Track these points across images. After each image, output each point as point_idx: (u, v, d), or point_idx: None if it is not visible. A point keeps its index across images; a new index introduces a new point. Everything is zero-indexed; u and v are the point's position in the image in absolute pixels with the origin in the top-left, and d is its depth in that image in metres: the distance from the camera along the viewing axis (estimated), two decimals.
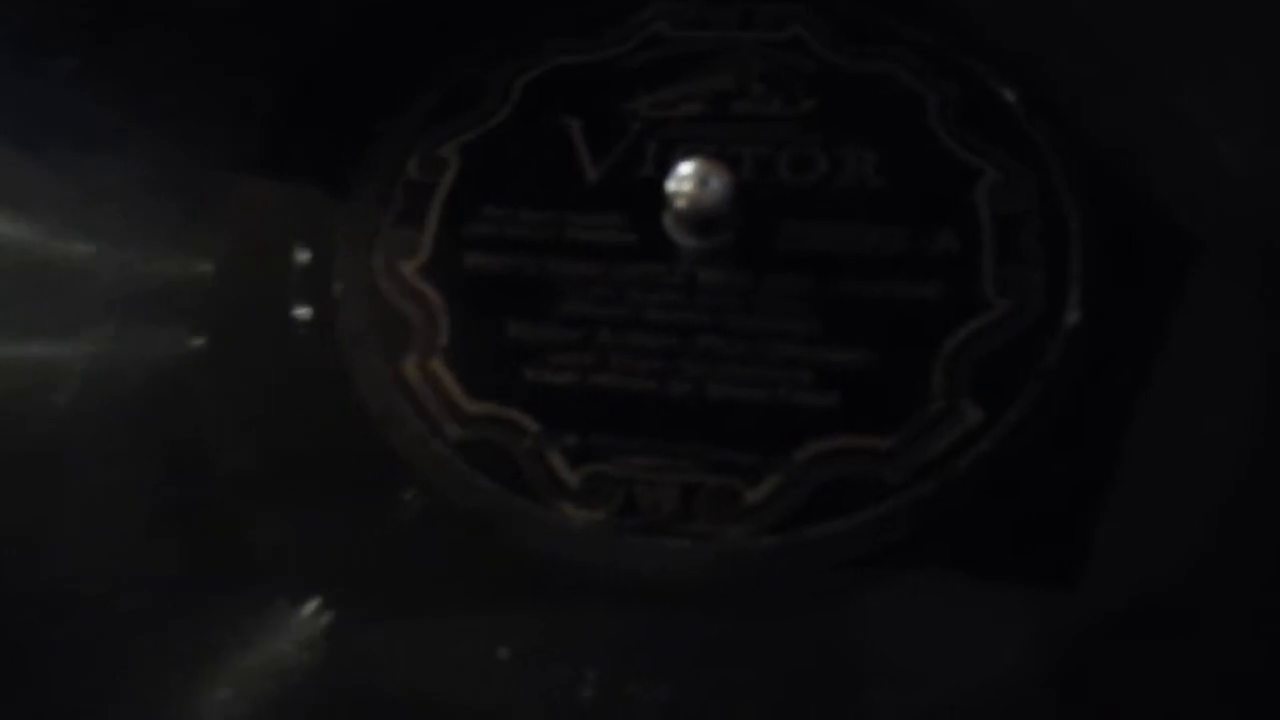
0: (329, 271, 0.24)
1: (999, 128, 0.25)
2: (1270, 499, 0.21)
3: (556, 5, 0.27)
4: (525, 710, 0.19)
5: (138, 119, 0.27)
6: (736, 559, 0.20)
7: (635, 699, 0.19)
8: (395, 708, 0.19)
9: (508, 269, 0.24)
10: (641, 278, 0.23)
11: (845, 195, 0.24)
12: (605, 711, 0.19)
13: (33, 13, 0.29)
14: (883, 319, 0.23)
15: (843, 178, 0.25)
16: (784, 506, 0.20)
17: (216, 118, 0.27)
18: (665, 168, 0.24)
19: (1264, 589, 0.20)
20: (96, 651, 0.19)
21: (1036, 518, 0.21)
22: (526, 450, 0.21)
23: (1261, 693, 0.19)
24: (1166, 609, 0.20)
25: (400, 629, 0.20)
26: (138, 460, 0.22)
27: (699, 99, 0.26)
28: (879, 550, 0.20)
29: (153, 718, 0.18)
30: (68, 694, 0.19)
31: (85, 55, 0.28)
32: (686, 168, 0.23)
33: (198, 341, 0.23)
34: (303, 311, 0.24)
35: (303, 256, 0.24)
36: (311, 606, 0.19)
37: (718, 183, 0.23)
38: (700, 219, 0.24)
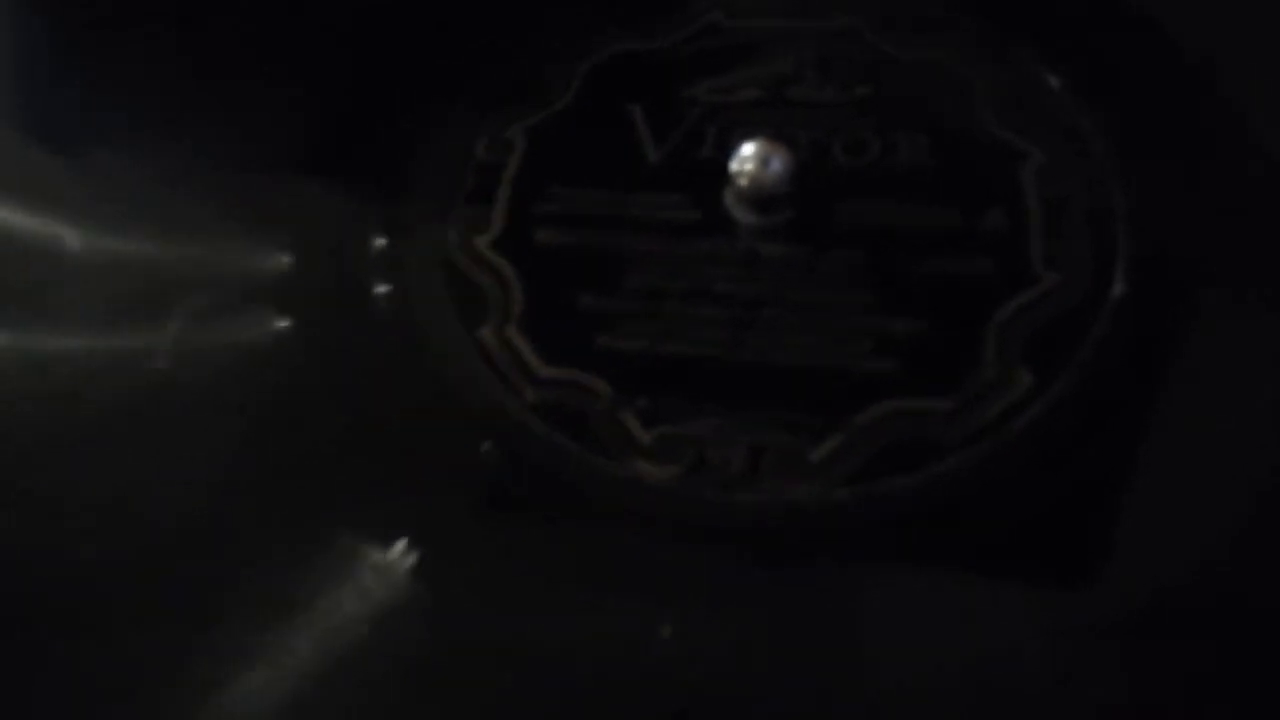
0: (404, 250, 0.25)
1: (1045, 112, 0.26)
2: None
3: None
4: (599, 652, 0.20)
5: (211, 110, 0.28)
6: (804, 512, 0.21)
7: (703, 643, 0.20)
8: (474, 643, 0.20)
9: (576, 243, 0.25)
10: (705, 253, 0.25)
11: (898, 176, 0.25)
12: (675, 655, 0.20)
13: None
14: (936, 291, 0.24)
15: (895, 160, 0.26)
16: (847, 464, 0.21)
17: (287, 109, 0.28)
18: (725, 149, 0.25)
19: None
20: (205, 592, 0.20)
21: (1083, 486, 0.22)
22: (600, 412, 0.22)
23: None
24: (1208, 582, 0.21)
25: (479, 572, 0.21)
26: (228, 428, 0.23)
27: (755, 85, 0.27)
28: (940, 506, 0.21)
29: (261, 647, 0.19)
30: (177, 631, 0.20)
31: (161, 44, 0.29)
32: (749, 148, 0.24)
33: (282, 323, 0.24)
34: (381, 289, 0.25)
35: (379, 241, 0.25)
36: (399, 548, 0.21)
37: (778, 162, 0.25)
38: (761, 197, 0.25)
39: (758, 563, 0.21)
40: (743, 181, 0.25)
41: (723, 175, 0.25)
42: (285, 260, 0.25)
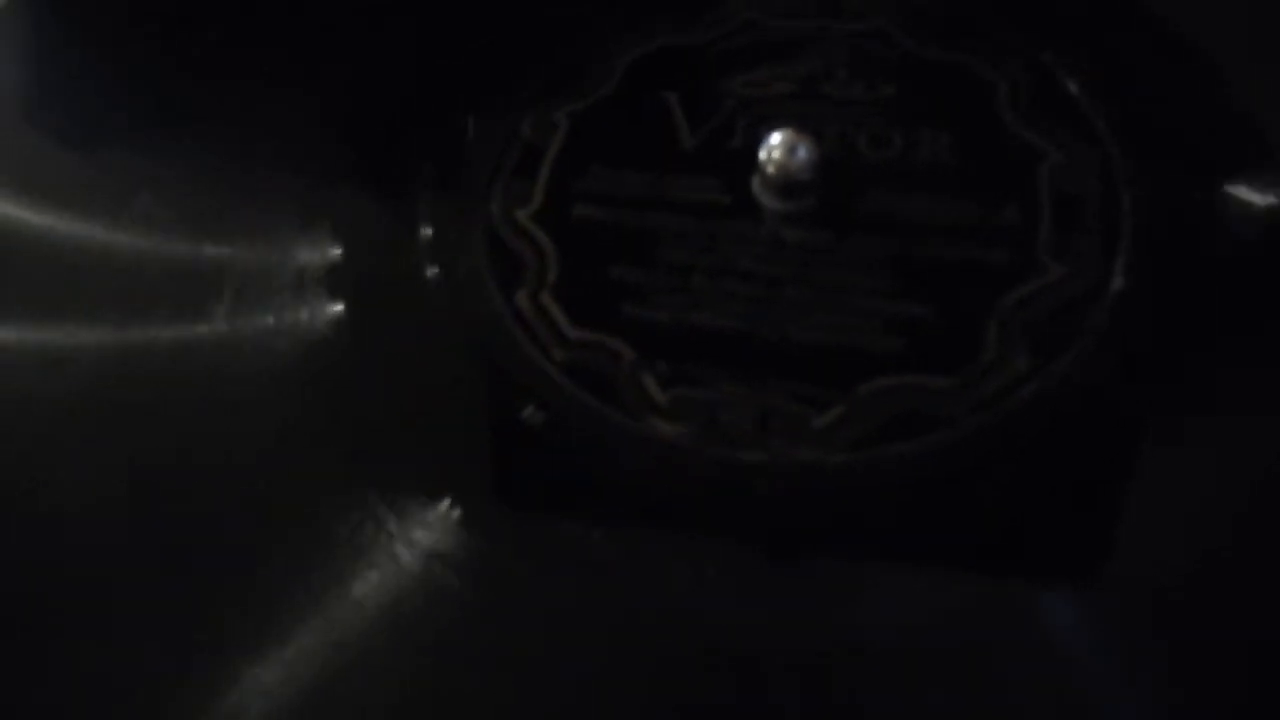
0: (451, 220, 0.27)
1: (1063, 115, 0.27)
2: None
3: None
4: (618, 602, 0.22)
5: (259, 111, 0.30)
6: (808, 472, 0.23)
7: (713, 591, 0.22)
8: (510, 590, 0.22)
9: (611, 219, 0.26)
10: (733, 233, 0.26)
11: (919, 170, 0.27)
12: (693, 599, 0.22)
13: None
14: (946, 278, 0.25)
15: (917, 154, 0.27)
16: (848, 432, 0.23)
17: (348, 94, 0.30)
18: (755, 138, 0.27)
19: None
20: (272, 545, 0.23)
21: (1073, 464, 0.23)
22: (622, 373, 0.24)
23: None
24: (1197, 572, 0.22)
25: (516, 521, 0.22)
26: (288, 395, 0.25)
27: (788, 80, 0.29)
28: (935, 474, 0.23)
29: (318, 584, 0.21)
30: (242, 576, 0.22)
31: (211, 43, 0.31)
32: (776, 138, 0.26)
33: (336, 308, 0.26)
34: (428, 255, 0.27)
35: (429, 211, 0.27)
36: (444, 504, 0.22)
37: (804, 151, 0.26)
38: (787, 184, 0.26)
39: (759, 517, 0.22)
40: (770, 169, 0.26)
41: (752, 162, 0.26)
42: (335, 255, 0.27)
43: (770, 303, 0.25)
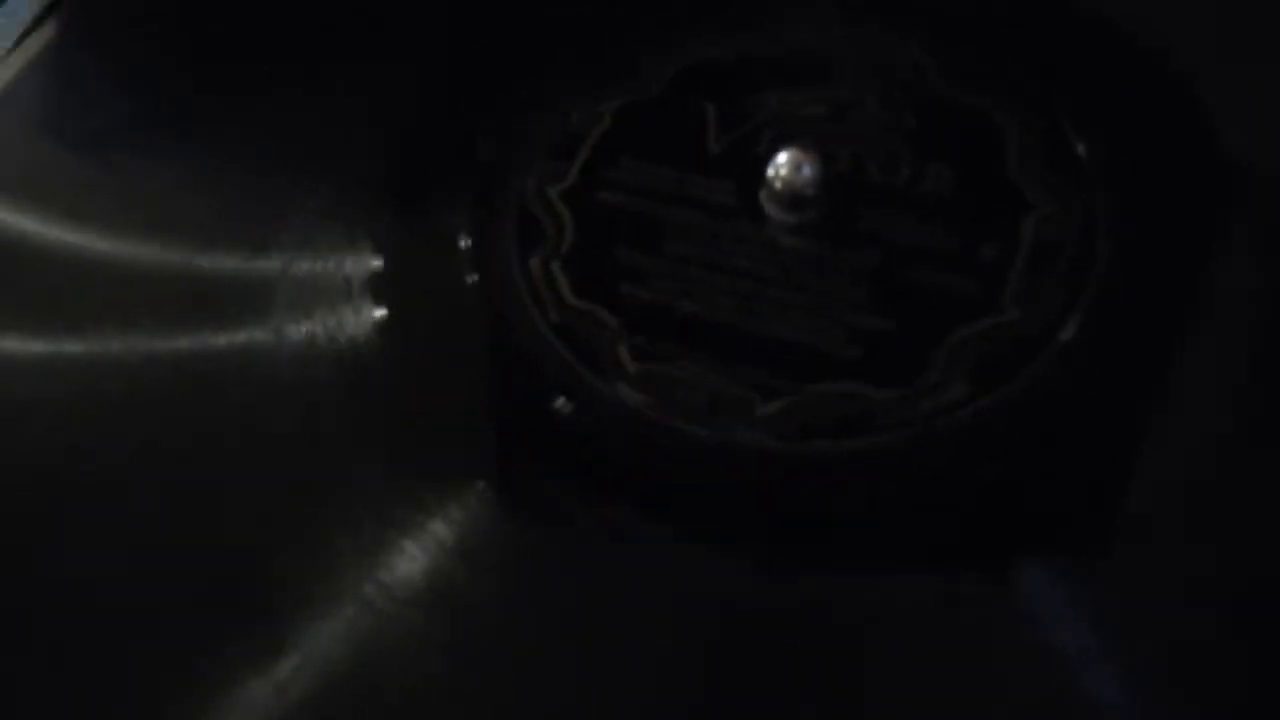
0: (489, 191, 0.30)
1: (1064, 170, 0.29)
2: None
3: (720, 11, 0.33)
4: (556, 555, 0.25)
5: (291, 128, 0.33)
6: (745, 454, 0.26)
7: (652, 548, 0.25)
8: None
9: (629, 206, 0.30)
10: (735, 234, 0.29)
11: (917, 199, 0.29)
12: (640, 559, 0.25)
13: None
14: (914, 301, 0.27)
15: (920, 185, 0.30)
16: (788, 423, 0.26)
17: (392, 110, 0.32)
18: (775, 152, 0.29)
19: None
20: (315, 520, 0.26)
21: (989, 485, 0.25)
22: (605, 342, 0.27)
23: None
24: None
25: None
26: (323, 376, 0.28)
27: (820, 103, 0.31)
28: (859, 472, 0.25)
29: (347, 548, 0.25)
30: (283, 543, 0.26)
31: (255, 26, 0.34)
32: (784, 154, 0.29)
33: (380, 312, 0.29)
34: (463, 222, 0.30)
35: (468, 184, 0.30)
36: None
37: (809, 170, 0.29)
38: (791, 197, 0.29)
39: (696, 488, 0.26)
40: (777, 183, 0.29)
41: (764, 173, 0.29)
42: (378, 263, 0.30)
43: (751, 299, 0.28)
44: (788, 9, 0.32)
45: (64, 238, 0.31)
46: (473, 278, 0.29)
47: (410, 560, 0.25)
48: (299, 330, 0.29)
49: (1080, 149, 0.30)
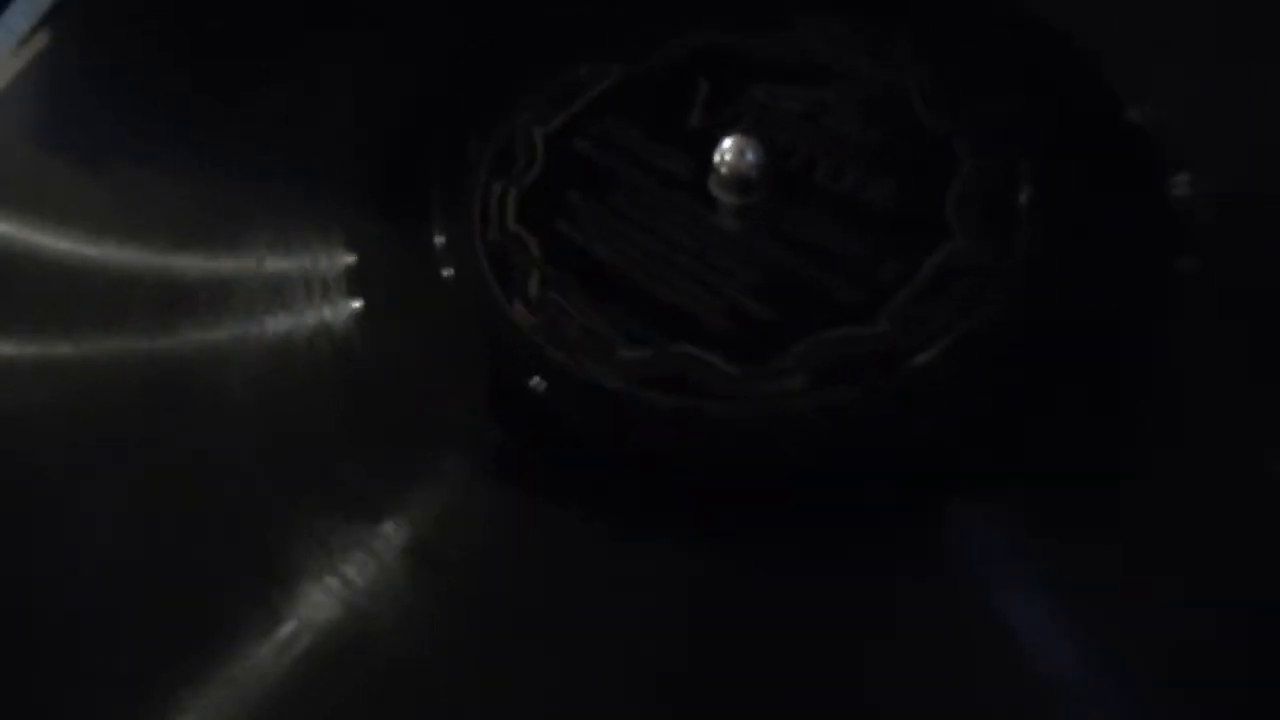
0: (481, 127, 0.34)
1: (998, 213, 0.30)
2: None
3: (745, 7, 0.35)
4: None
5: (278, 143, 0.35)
6: (585, 384, 0.29)
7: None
8: None
9: (596, 158, 0.33)
10: (673, 203, 0.32)
11: (849, 207, 0.31)
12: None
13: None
14: (797, 295, 0.30)
15: (858, 195, 0.32)
16: (637, 371, 0.29)
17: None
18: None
19: None
20: (321, 499, 0.29)
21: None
22: (522, 266, 0.31)
23: None
24: None
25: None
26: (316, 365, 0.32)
27: (800, 101, 0.33)
28: (680, 425, 0.28)
29: (346, 529, 0.28)
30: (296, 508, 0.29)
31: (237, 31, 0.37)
32: (729, 141, 0.31)
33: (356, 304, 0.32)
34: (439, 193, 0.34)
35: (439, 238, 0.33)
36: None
37: (751, 156, 0.31)
38: (732, 181, 0.32)
39: (540, 401, 0.29)
40: (721, 167, 0.32)
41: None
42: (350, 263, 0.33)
43: (658, 260, 0.31)
44: (803, 15, 0.35)
45: (55, 243, 0.34)
46: (440, 192, 0.33)
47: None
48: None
49: (1024, 195, 0.31)
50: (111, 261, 0.33)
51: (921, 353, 0.29)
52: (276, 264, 0.32)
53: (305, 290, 0.32)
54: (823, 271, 0.30)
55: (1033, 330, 0.29)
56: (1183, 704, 0.25)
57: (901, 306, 0.29)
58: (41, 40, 0.37)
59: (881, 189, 0.32)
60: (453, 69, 0.36)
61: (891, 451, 0.28)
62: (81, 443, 0.31)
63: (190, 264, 0.33)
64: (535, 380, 0.29)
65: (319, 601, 0.27)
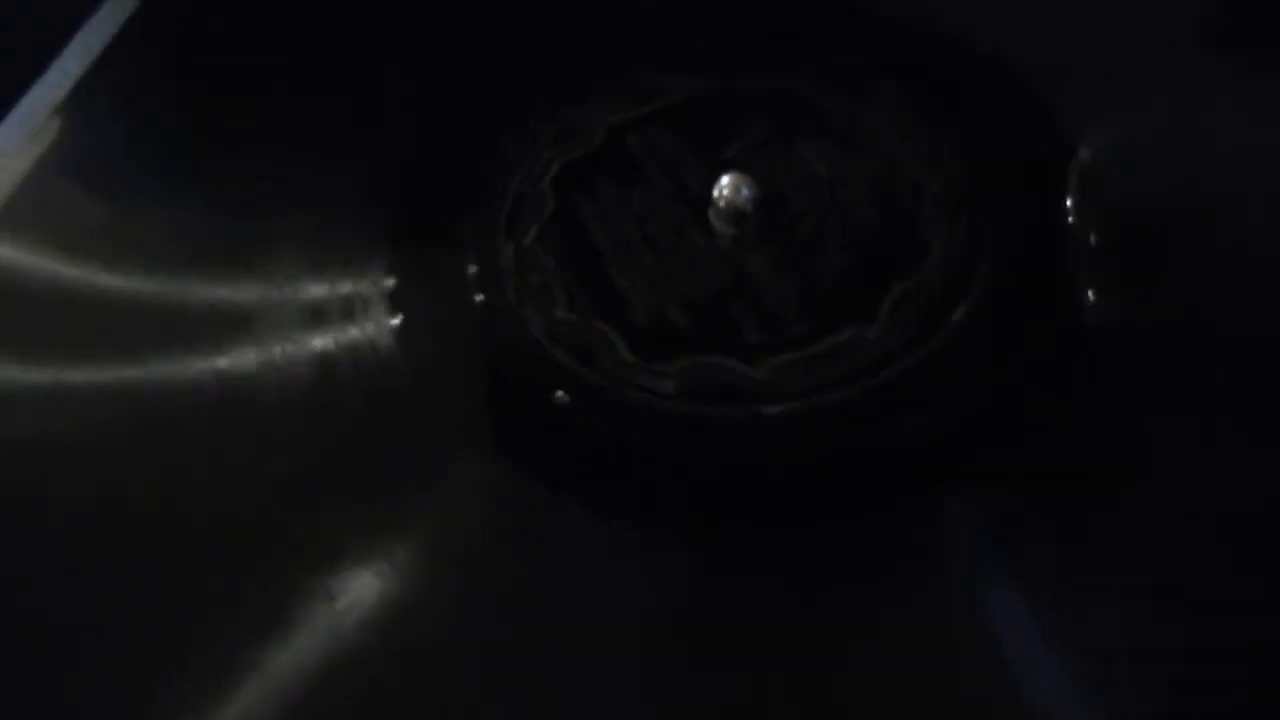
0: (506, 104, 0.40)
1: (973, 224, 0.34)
2: None
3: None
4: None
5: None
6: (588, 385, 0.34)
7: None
8: None
9: (639, 154, 0.38)
10: (674, 210, 0.37)
11: (807, 268, 0.35)
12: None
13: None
14: (712, 320, 0.34)
15: (819, 260, 0.35)
16: (604, 362, 0.34)
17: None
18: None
19: None
20: (347, 494, 0.33)
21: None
22: (541, 278, 0.36)
23: None
24: None
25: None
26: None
27: (829, 165, 0.37)
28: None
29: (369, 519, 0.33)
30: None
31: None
32: (726, 178, 0.35)
33: (395, 321, 0.37)
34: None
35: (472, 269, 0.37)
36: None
37: (746, 193, 0.35)
38: (729, 211, 0.36)
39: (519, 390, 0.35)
40: (720, 201, 0.36)
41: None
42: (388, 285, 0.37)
43: (632, 249, 0.36)
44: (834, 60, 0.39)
45: (89, 276, 0.38)
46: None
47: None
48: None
49: (958, 313, 0.33)
50: (165, 291, 0.38)
51: (883, 371, 0.33)
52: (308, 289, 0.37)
53: (341, 311, 0.37)
54: (748, 310, 0.34)
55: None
56: (1174, 700, 0.27)
57: (782, 363, 0.33)
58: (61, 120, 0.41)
59: (863, 209, 0.35)
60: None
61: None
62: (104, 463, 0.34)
63: (231, 292, 0.38)
64: (560, 394, 0.34)
65: (365, 583, 0.31)
